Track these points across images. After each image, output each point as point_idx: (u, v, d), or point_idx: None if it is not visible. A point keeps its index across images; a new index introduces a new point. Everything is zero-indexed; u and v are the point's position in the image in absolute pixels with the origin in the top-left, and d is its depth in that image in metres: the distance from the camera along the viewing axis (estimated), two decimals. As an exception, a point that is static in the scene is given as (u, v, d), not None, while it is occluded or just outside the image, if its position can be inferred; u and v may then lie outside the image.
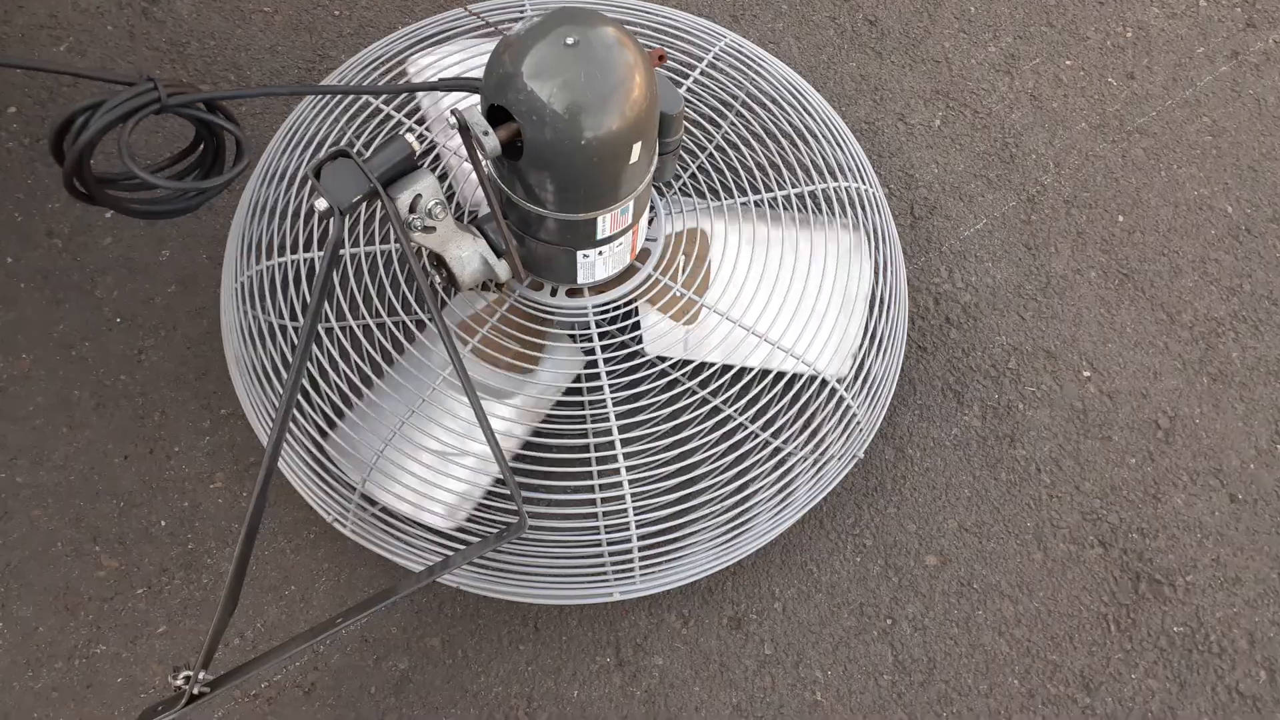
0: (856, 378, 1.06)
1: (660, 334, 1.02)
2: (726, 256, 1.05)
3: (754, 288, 1.04)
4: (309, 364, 0.99)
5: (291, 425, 1.00)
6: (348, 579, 1.06)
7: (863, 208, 1.12)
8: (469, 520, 0.97)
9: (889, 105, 1.35)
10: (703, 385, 1.02)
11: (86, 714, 0.99)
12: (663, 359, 1.02)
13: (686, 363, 1.01)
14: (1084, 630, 1.07)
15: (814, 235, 1.07)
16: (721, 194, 1.11)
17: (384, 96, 1.12)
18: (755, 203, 1.11)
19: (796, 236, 1.07)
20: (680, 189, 1.13)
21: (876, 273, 1.10)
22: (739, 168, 1.13)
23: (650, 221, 1.06)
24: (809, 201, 1.11)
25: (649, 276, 1.04)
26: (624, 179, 0.86)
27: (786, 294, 1.04)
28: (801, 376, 1.03)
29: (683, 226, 1.06)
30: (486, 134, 0.79)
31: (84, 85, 1.27)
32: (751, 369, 1.01)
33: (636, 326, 1.03)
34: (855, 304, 1.06)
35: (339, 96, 1.11)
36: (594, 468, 0.98)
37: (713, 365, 1.02)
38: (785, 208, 1.10)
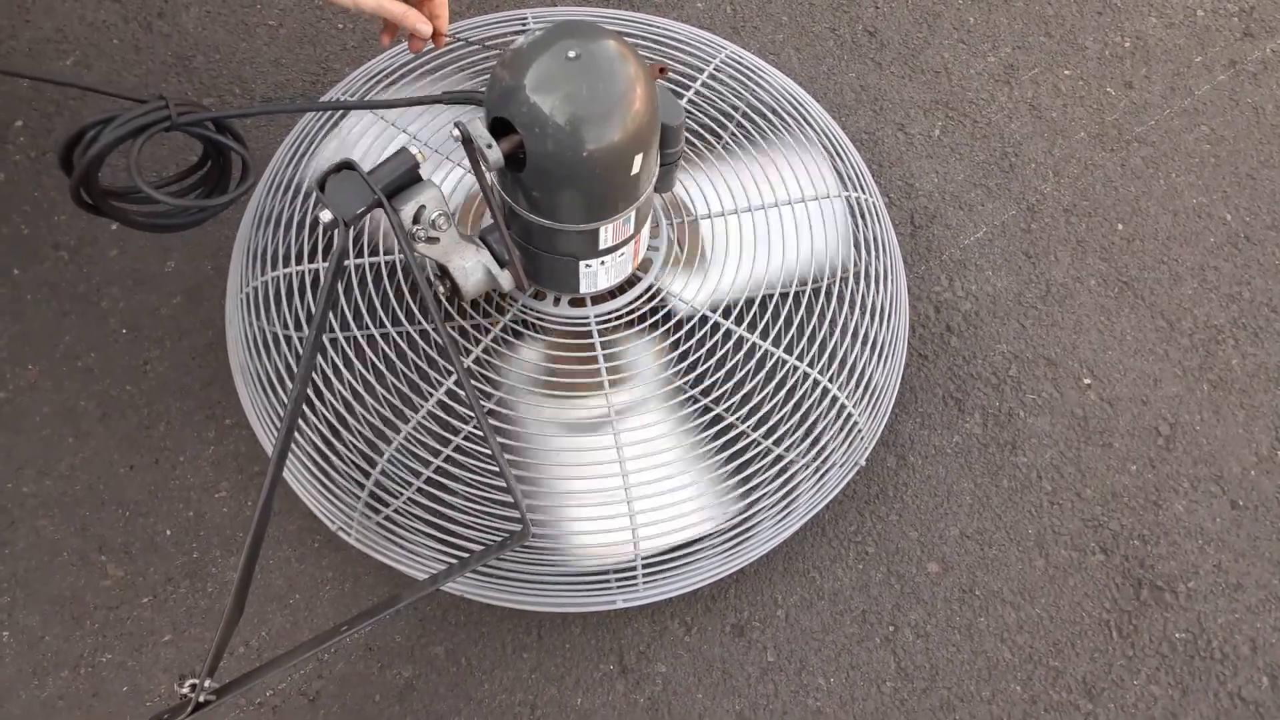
0: (858, 386, 1.06)
1: (689, 297, 1.04)
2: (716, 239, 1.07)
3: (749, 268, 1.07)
4: (313, 374, 1.00)
5: (296, 435, 1.01)
6: (352, 587, 1.06)
7: (863, 217, 1.13)
8: (472, 527, 0.98)
9: (889, 115, 1.36)
10: (705, 394, 1.03)
11: (92, 723, 1.00)
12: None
13: (689, 371, 1.02)
14: (1086, 637, 1.08)
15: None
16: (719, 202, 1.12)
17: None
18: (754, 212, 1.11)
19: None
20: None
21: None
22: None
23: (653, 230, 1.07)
24: (807, 209, 1.12)
25: (650, 286, 1.05)
26: (626, 190, 0.87)
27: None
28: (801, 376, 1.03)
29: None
30: (490, 146, 0.80)
31: (90, 101, 1.28)
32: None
33: (654, 328, 1.04)
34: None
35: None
36: (596, 476, 0.98)
37: (715, 375, 1.02)
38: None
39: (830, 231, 1.10)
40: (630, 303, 1.04)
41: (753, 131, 1.15)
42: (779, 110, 1.17)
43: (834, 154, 1.16)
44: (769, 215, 1.10)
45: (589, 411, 1.01)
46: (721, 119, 1.17)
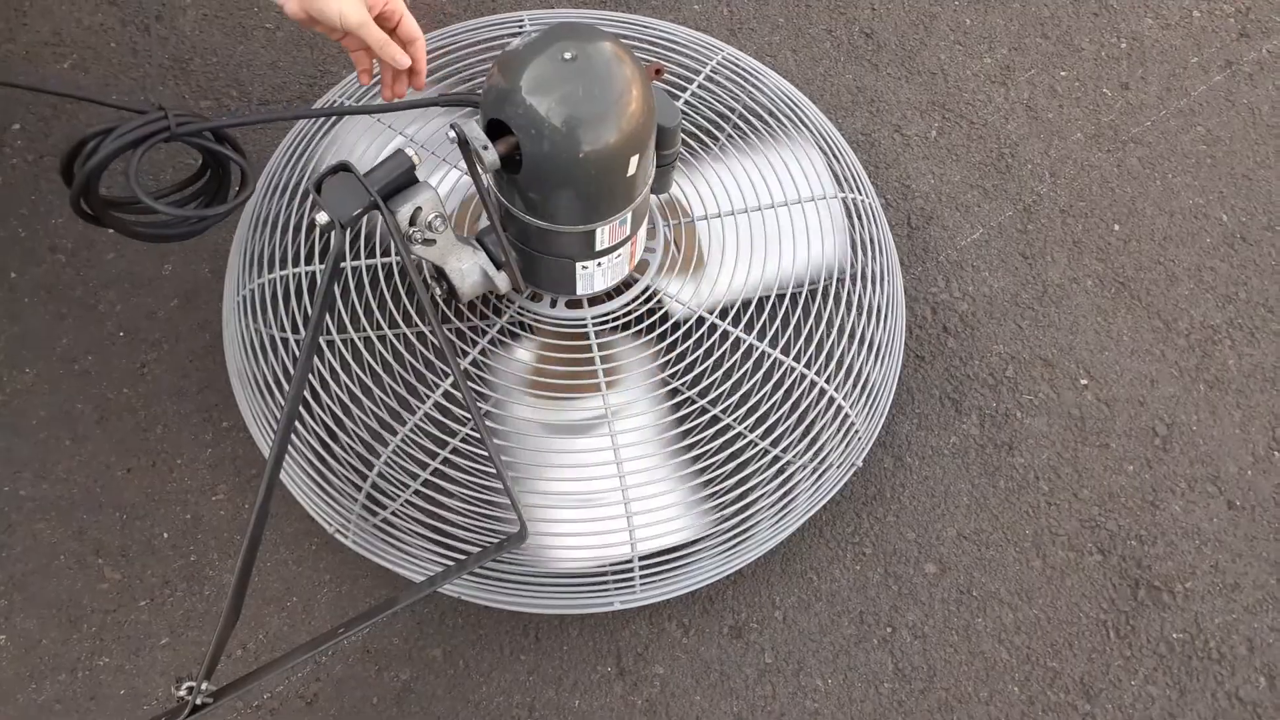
0: (855, 387, 1.06)
1: (686, 299, 1.04)
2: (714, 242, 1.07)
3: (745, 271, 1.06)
4: (310, 376, 1.00)
5: (293, 437, 1.00)
6: (349, 590, 1.06)
7: (859, 218, 1.13)
8: (469, 529, 0.98)
9: (885, 117, 1.36)
10: (702, 395, 1.03)
11: (90, 726, 0.99)
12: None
13: (687, 372, 1.02)
14: (1083, 637, 1.08)
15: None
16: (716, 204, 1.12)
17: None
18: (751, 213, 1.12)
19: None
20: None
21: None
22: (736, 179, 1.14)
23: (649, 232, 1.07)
24: (804, 209, 1.12)
25: (647, 288, 1.05)
26: (622, 191, 0.87)
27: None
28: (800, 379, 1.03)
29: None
30: (486, 148, 0.80)
31: (88, 106, 1.28)
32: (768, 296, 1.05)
33: (650, 329, 1.04)
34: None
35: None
36: (593, 478, 0.98)
37: (713, 376, 1.02)
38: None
39: (828, 233, 1.10)
40: (627, 304, 1.04)
41: (749, 132, 1.15)
42: (776, 112, 1.17)
43: (831, 155, 1.16)
44: (765, 217, 1.10)
45: (585, 413, 1.01)
46: (718, 120, 1.17)
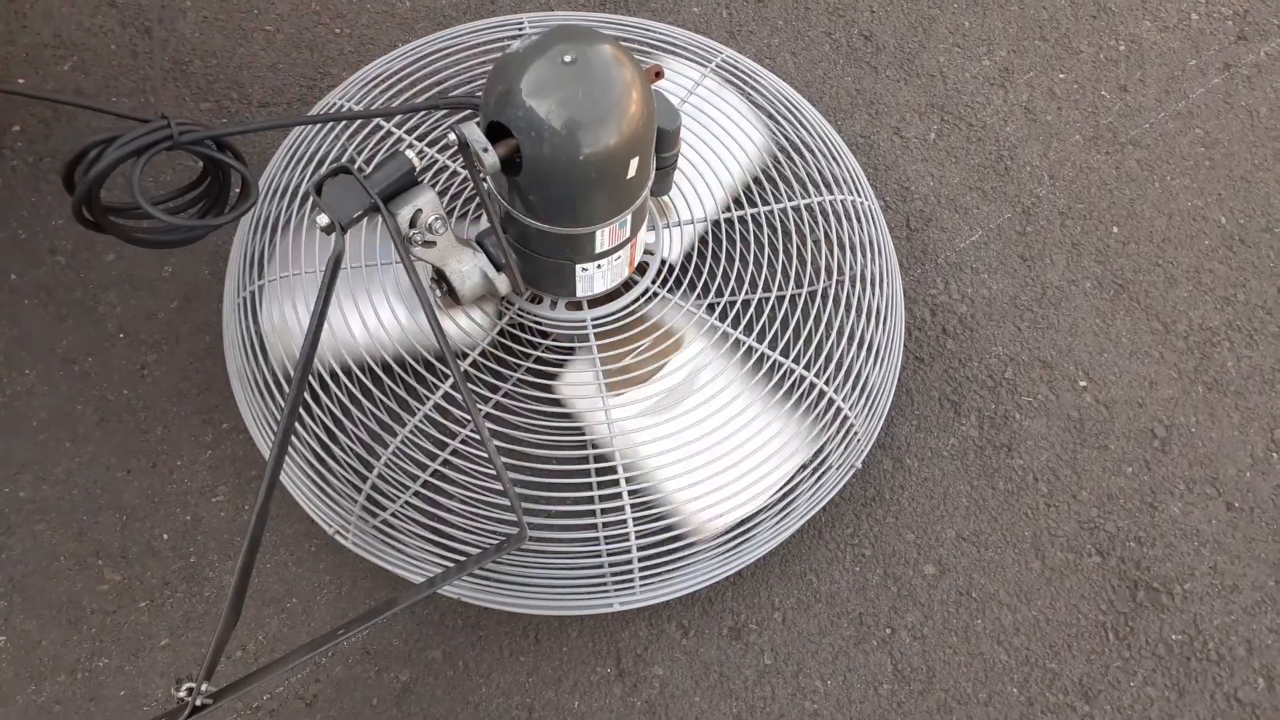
0: (854, 389, 1.06)
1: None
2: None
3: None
4: (310, 378, 1.00)
5: (293, 439, 1.01)
6: (349, 591, 1.06)
7: (858, 220, 1.13)
8: (468, 530, 0.98)
9: (884, 119, 1.36)
10: (701, 397, 1.03)
11: (89, 727, 0.99)
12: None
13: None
14: (1082, 638, 1.08)
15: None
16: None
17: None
18: (752, 216, 1.12)
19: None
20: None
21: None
22: (736, 181, 1.14)
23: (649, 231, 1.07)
24: (805, 215, 1.12)
25: (647, 289, 1.05)
26: (622, 193, 0.87)
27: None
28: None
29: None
30: (486, 150, 0.80)
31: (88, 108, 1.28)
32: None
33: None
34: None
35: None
36: (594, 479, 0.98)
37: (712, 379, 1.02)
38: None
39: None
40: (627, 306, 1.04)
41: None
42: (775, 114, 1.18)
43: (830, 157, 1.16)
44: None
45: (586, 418, 1.01)
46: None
